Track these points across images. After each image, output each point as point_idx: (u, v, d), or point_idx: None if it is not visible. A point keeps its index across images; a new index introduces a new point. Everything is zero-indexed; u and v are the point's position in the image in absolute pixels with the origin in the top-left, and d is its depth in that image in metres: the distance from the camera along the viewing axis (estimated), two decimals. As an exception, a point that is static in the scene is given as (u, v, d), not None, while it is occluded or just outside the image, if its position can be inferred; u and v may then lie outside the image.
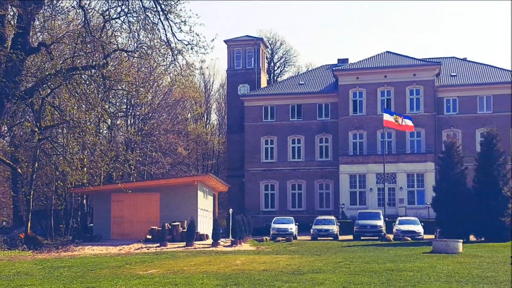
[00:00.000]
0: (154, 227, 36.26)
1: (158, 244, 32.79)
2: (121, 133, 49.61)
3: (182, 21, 23.56)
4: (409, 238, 36.17)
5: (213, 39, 25.46)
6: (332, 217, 42.24)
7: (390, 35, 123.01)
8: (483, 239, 35.15)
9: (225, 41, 61.95)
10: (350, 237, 38.94)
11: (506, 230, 34.90)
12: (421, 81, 53.15)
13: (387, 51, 57.29)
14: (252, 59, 61.92)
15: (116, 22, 24.88)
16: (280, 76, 79.85)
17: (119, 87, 27.55)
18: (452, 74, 55.72)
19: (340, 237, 39.14)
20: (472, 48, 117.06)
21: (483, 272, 18.74)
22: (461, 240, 28.35)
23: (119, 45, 25.97)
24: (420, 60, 55.11)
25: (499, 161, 35.97)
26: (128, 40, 26.24)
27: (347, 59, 61.81)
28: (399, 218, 41.44)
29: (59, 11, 25.20)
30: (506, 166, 36.86)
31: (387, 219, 42.24)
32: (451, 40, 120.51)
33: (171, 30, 23.89)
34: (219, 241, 33.53)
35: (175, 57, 24.24)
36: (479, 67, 56.58)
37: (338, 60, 62.67)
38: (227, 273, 18.72)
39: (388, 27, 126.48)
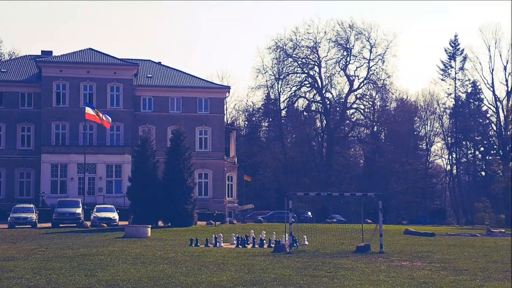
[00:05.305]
0: None
1: None
2: None
3: None
4: (105, 225, 36.25)
5: None
6: (31, 205, 40.04)
7: (93, 32, 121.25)
8: (170, 224, 37.05)
9: None
10: (50, 224, 37.47)
11: (188, 216, 37.49)
12: (121, 80, 53.62)
13: (89, 48, 56.41)
14: None
15: None
16: (-19, 63, 72.49)
17: None
18: (148, 75, 57.43)
19: (39, 225, 37.28)
20: (166, 53, 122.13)
21: (166, 253, 19.94)
22: (150, 226, 29.64)
23: None
24: (120, 60, 55.52)
25: (185, 155, 38.39)
26: None
27: (51, 52, 59.07)
28: (97, 206, 41.25)
29: None
30: (191, 160, 39.57)
31: (86, 207, 41.64)
32: (147, 44, 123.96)
33: None
34: None
35: None
36: (171, 71, 59.36)
37: (42, 52, 59.45)
38: None
39: (92, 24, 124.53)
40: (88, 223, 36.71)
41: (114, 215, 38.09)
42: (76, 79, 52.68)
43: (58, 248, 21.59)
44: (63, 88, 52.69)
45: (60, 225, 36.71)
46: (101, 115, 45.50)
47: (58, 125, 52.34)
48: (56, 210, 37.92)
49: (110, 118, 46.72)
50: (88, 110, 45.68)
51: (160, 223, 37.36)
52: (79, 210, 38.07)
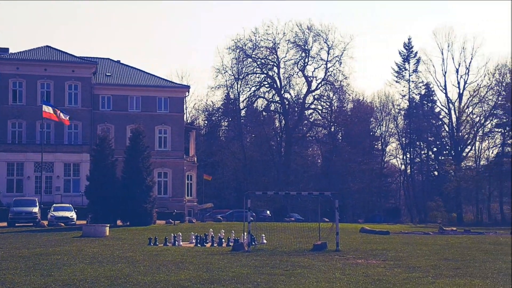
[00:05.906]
0: None
1: None
2: None
3: None
4: (62, 224, 35.59)
5: None
6: (-14, 205, 39.08)
7: (51, 30, 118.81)
8: (128, 223, 36.62)
9: None
10: (5, 224, 36.49)
11: (148, 215, 37.10)
12: (79, 78, 52.64)
13: (47, 46, 55.22)
14: None
15: None
16: None
17: None
18: (107, 74, 56.58)
19: (-6, 224, 36.42)
20: (124, 52, 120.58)
21: (124, 252, 19.70)
22: (108, 225, 29.21)
23: None
24: (78, 58, 54.48)
25: (144, 154, 38.01)
26: None
27: (7, 49, 57.49)
28: (54, 205, 40.42)
29: None
30: (150, 159, 39.18)
31: (43, 206, 40.74)
32: (104, 42, 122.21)
33: None
34: None
35: None
36: (130, 70, 58.59)
37: (-2, 48, 58.04)
38: None
39: (49, 22, 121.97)
40: (45, 223, 35.95)
41: (72, 214, 37.42)
42: (33, 77, 51.48)
43: (13, 247, 21.07)
44: (19, 86, 51.44)
45: (16, 224, 35.87)
46: (58, 113, 44.60)
47: (14, 123, 51.08)
48: (12, 209, 37.02)
49: (68, 117, 45.87)
50: (46, 108, 44.73)
51: (119, 222, 36.87)
52: (35, 209, 37.25)
